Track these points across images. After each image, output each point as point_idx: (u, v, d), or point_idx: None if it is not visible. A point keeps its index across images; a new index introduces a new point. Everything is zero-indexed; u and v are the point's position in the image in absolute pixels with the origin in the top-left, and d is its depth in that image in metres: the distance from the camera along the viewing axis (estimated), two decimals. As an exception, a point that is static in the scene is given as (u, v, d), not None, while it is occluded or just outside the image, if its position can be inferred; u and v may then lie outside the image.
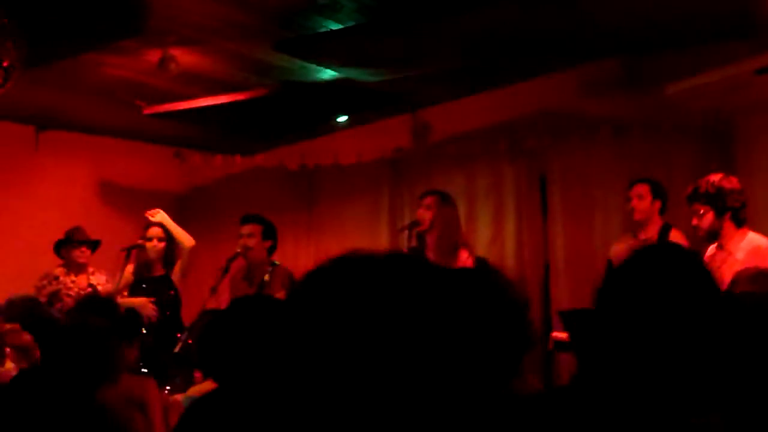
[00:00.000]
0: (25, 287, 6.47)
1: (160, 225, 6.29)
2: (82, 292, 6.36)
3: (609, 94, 6.49)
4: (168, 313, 6.20)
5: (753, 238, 4.78)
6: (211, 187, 8.68)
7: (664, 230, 5.53)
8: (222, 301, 5.85)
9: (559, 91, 6.80)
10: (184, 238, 6.32)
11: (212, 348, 2.51)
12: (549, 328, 6.43)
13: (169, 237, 6.29)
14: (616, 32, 5.85)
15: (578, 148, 6.78)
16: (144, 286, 6.30)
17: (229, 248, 6.29)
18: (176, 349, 5.72)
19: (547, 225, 7.02)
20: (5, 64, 4.01)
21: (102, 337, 2.94)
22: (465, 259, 5.70)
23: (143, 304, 6.08)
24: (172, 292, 6.29)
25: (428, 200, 5.88)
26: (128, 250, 6.30)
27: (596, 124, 6.62)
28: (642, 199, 5.58)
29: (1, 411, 2.84)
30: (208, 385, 3.55)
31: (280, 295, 5.56)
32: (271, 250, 6.28)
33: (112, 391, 3.21)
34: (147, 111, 6.89)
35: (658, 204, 5.59)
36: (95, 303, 4.61)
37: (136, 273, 6.36)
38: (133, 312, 5.78)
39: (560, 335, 5.62)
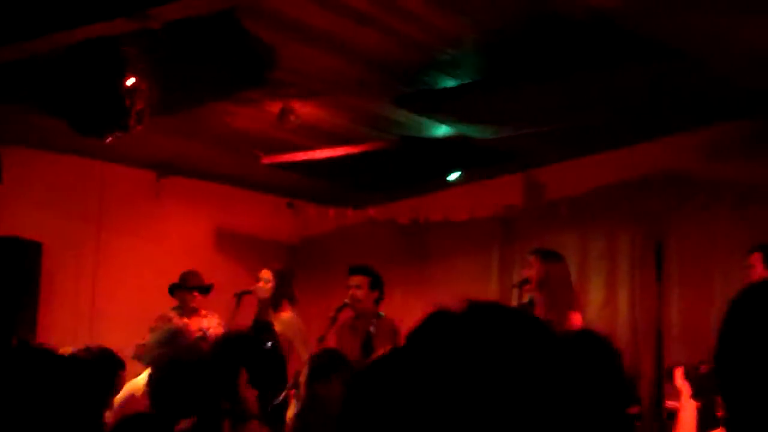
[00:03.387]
0: (144, 328, 6.67)
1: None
2: (193, 335, 6.47)
3: (732, 157, 6.29)
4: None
5: None
6: (323, 238, 8.76)
7: None
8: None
9: (679, 153, 6.63)
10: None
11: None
12: (662, 396, 6.21)
13: (278, 279, 6.36)
14: (742, 94, 5.70)
15: (698, 213, 6.58)
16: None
17: (338, 299, 6.33)
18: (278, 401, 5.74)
19: (662, 291, 6.80)
20: (138, 107, 4.17)
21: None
22: (576, 321, 5.57)
23: None
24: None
25: (530, 258, 5.82)
26: (239, 296, 6.39)
27: (719, 188, 6.42)
28: (753, 269, 5.35)
29: None
30: None
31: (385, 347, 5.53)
32: (378, 301, 6.30)
33: None
34: (265, 161, 7.03)
35: None
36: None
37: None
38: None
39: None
